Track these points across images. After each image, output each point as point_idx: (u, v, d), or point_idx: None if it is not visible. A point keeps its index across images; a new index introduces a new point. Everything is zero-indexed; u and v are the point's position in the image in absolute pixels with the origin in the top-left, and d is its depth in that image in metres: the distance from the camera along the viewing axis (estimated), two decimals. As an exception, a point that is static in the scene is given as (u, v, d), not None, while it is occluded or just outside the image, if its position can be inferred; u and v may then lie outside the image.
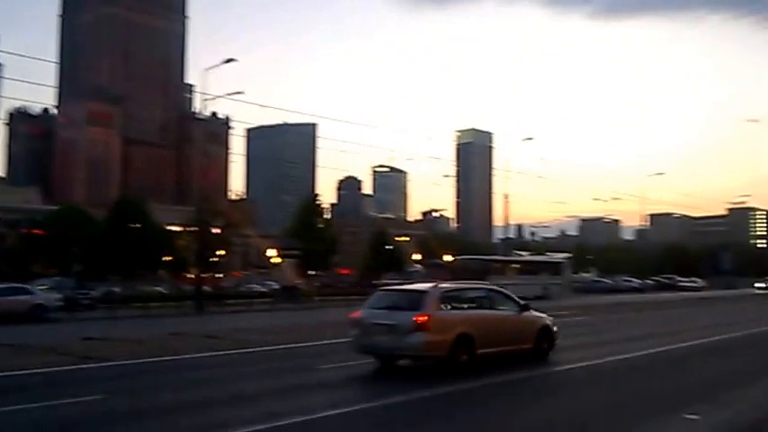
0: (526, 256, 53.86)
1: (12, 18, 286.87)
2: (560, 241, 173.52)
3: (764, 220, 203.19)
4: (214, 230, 48.65)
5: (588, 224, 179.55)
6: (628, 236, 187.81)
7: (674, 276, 76.97)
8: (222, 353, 14.31)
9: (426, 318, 10.77)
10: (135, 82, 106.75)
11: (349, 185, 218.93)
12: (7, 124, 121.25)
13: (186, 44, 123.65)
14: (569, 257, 56.93)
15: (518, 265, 47.18)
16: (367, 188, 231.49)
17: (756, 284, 69.14)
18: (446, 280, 40.63)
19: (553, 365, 12.26)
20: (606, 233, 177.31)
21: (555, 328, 13.03)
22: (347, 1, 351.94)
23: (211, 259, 47.32)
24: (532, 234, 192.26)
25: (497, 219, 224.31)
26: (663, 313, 29.82)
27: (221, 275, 64.52)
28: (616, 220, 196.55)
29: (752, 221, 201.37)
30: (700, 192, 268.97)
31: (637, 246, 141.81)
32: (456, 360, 10.87)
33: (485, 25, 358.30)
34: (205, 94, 37.24)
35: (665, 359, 13.55)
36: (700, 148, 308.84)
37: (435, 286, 11.85)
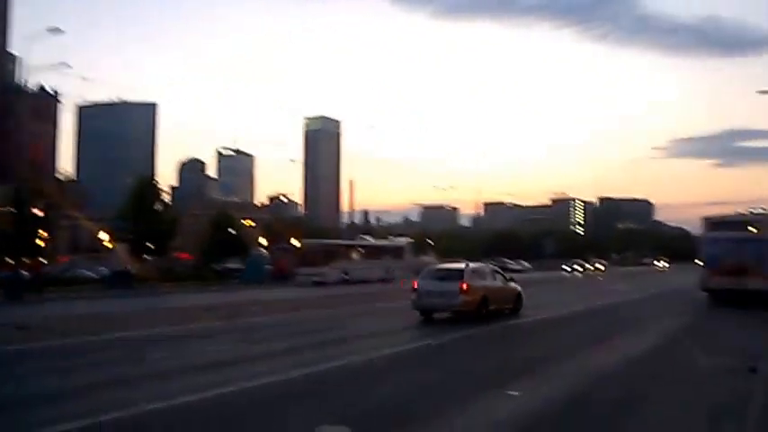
0: (370, 240, 54.93)
1: None
2: (404, 227, 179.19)
3: (582, 210, 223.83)
4: (35, 212, 44.53)
5: (429, 211, 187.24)
6: (465, 223, 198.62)
7: (504, 260, 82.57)
8: (34, 345, 13.28)
9: (466, 285, 16.83)
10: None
11: (192, 168, 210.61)
12: None
13: (9, 11, 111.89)
14: (410, 242, 58.90)
15: (362, 250, 48.07)
16: (212, 171, 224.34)
17: (563, 267, 76.40)
18: (295, 262, 41.04)
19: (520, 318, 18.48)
20: (446, 220, 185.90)
21: (523, 295, 19.40)
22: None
23: (34, 243, 43.27)
24: (378, 220, 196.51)
25: (345, 204, 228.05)
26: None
27: (44, 261, 59.54)
28: (455, 208, 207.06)
29: (572, 210, 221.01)
30: (528, 183, 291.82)
31: (473, 232, 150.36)
32: (480, 313, 16.94)
33: (335, 17, 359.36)
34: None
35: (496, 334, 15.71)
36: (528, 144, 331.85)
37: (467, 265, 18.47)
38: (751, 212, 27.10)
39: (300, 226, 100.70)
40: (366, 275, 42.72)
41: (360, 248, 48.39)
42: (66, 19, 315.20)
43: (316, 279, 39.56)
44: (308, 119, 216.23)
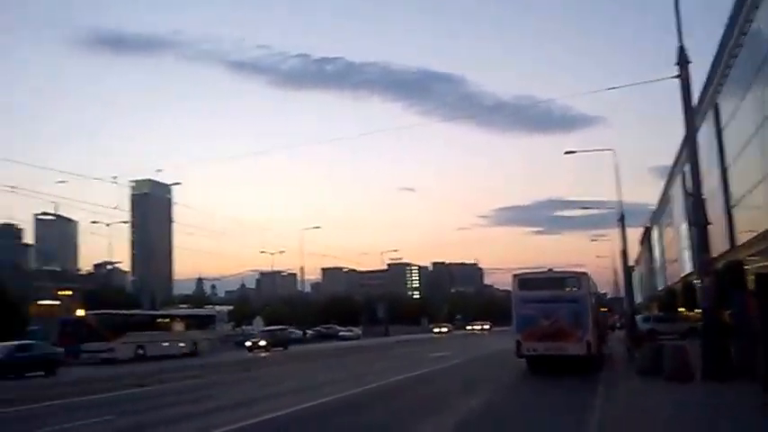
0: (182, 310, 52.43)
1: None
2: (240, 294, 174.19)
3: (417, 274, 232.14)
4: None
5: (267, 277, 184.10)
6: (305, 289, 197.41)
7: (334, 326, 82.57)
8: None
9: None
10: None
11: (5, 234, 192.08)
12: None
13: None
14: (223, 311, 56.91)
15: (165, 320, 44.96)
16: (29, 237, 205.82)
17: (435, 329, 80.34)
18: (81, 337, 37.15)
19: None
20: (285, 286, 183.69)
21: None
22: (18, 38, 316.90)
23: None
24: (213, 287, 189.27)
25: (178, 272, 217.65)
26: (285, 369, 28.98)
27: None
28: (293, 274, 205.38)
29: (408, 275, 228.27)
30: (359, 247, 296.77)
31: (312, 297, 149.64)
32: None
33: (164, 77, 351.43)
34: None
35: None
36: (356, 209, 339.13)
37: None
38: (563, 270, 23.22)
39: (125, 295, 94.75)
40: (167, 350, 39.88)
41: (160, 319, 45.11)
42: None
43: (104, 356, 36.33)
44: (135, 181, 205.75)
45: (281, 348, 48.33)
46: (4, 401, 17.31)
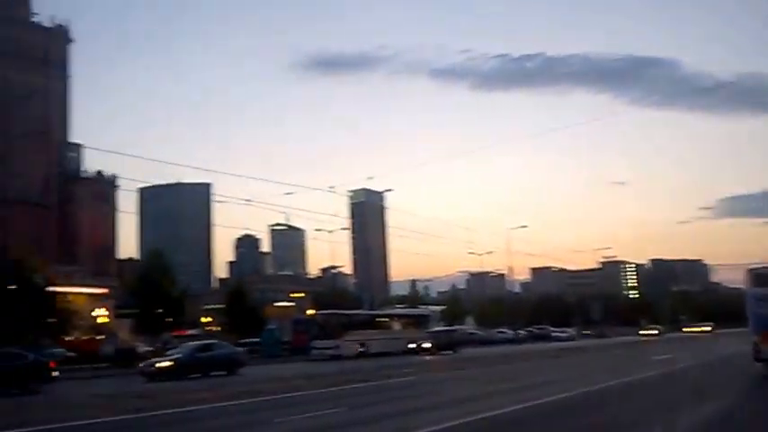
0: (399, 309, 55.58)
1: None
2: (451, 295, 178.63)
3: (634, 273, 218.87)
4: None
5: (476, 278, 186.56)
6: (513, 289, 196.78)
7: (547, 327, 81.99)
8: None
9: None
10: (15, 141, 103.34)
11: (246, 244, 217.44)
12: None
13: (70, 102, 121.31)
14: (437, 311, 58.98)
15: (384, 319, 47.10)
16: (265, 246, 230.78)
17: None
18: (311, 335, 41.28)
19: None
20: (494, 287, 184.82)
21: None
22: (237, 65, 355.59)
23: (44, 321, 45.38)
24: (426, 288, 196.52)
25: (393, 274, 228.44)
26: (511, 367, 29.89)
27: (102, 337, 62.85)
28: (502, 274, 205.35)
29: (623, 273, 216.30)
30: (569, 246, 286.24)
31: (521, 297, 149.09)
32: None
33: (373, 91, 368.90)
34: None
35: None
36: (565, 207, 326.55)
37: None
38: None
39: (347, 297, 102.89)
40: (386, 347, 41.39)
41: (380, 318, 47.14)
42: (123, 107, 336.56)
43: (331, 352, 38.55)
44: (352, 191, 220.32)
45: (449, 352, 44.14)
46: (253, 392, 19.46)
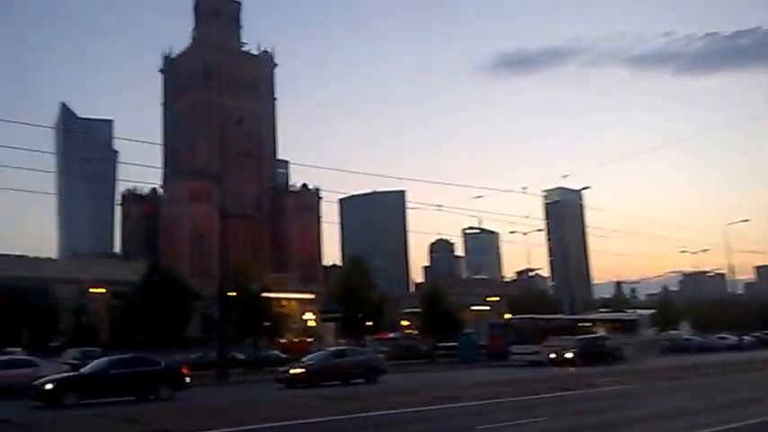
0: (603, 313, 52.27)
1: (123, 106, 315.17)
2: (662, 297, 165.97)
3: None
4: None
5: (691, 278, 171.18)
6: (735, 290, 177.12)
7: (775, 333, 72.27)
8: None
9: None
10: (230, 160, 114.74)
11: (441, 248, 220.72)
12: (120, 205, 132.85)
13: (276, 123, 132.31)
14: (651, 314, 54.52)
15: (587, 324, 44.83)
16: (459, 250, 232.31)
17: None
18: (508, 339, 39.76)
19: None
20: (711, 288, 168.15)
21: None
22: (428, 71, 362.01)
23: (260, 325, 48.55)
24: (632, 291, 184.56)
25: (595, 276, 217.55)
26: (736, 377, 26.98)
27: (311, 340, 67.02)
28: (721, 274, 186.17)
29: None
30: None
31: (744, 300, 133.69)
32: None
33: (565, 86, 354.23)
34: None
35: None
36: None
37: None
38: None
39: (543, 300, 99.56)
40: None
41: (582, 323, 44.92)
42: (325, 124, 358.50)
43: (531, 358, 37.08)
44: (547, 191, 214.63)
45: (601, 365, 35.54)
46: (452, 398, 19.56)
